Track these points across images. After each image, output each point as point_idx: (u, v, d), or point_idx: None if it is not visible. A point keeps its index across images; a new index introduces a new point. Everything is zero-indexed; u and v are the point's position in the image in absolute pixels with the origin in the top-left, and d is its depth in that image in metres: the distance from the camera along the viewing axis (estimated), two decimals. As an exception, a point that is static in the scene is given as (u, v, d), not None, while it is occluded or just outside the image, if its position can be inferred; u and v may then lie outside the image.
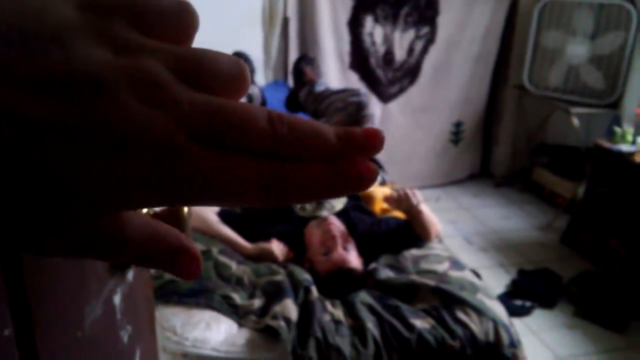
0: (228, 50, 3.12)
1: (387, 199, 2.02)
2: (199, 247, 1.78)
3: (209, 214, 1.92)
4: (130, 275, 0.83)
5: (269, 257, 1.83)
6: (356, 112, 2.42)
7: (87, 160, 0.18)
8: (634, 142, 2.83)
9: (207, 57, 0.21)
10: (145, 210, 0.82)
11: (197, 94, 0.19)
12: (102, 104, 0.18)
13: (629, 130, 2.90)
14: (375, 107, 2.49)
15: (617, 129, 2.93)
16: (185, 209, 0.85)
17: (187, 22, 0.22)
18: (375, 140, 0.21)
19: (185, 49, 0.21)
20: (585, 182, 3.12)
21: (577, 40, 3.35)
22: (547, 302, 2.61)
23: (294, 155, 0.20)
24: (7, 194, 0.17)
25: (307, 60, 3.02)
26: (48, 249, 0.19)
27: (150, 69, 0.19)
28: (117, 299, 0.77)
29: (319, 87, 2.75)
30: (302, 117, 0.21)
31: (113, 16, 0.20)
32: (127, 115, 0.18)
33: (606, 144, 2.90)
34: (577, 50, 3.35)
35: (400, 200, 1.95)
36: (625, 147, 2.82)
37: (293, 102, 2.83)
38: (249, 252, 1.86)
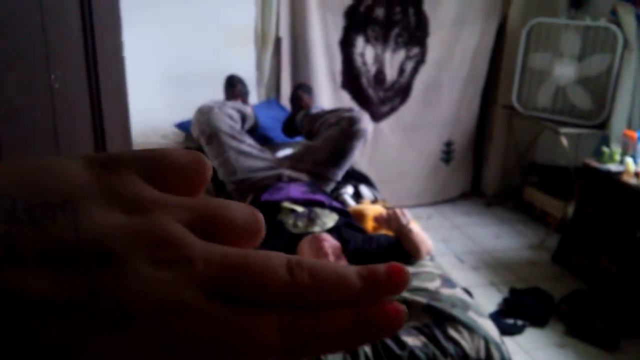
0: (221, 69, 3.15)
1: (376, 219, 2.03)
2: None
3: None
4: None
5: None
6: (349, 126, 2.45)
7: (98, 340, 0.16)
8: (621, 162, 2.86)
9: (222, 209, 0.20)
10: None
11: (211, 248, 0.19)
12: (112, 275, 0.17)
13: (617, 150, 2.94)
14: (368, 123, 2.52)
15: (605, 149, 2.97)
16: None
17: (200, 173, 0.22)
18: (400, 277, 0.20)
19: (198, 201, 0.20)
20: (574, 201, 3.15)
21: (565, 61, 3.41)
22: (538, 321, 2.61)
23: (317, 304, 0.19)
24: None
25: (304, 89, 3.11)
26: None
27: (163, 226, 0.18)
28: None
29: (315, 110, 2.81)
30: (323, 262, 0.20)
31: (124, 172, 0.20)
32: (139, 284, 0.17)
33: (594, 164, 2.94)
34: (565, 71, 3.41)
35: (390, 220, 1.96)
36: (613, 167, 2.85)
37: (290, 126, 2.88)
38: None
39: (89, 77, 0.72)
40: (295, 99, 3.05)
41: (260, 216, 0.21)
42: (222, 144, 2.45)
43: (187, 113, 3.05)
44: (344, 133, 2.45)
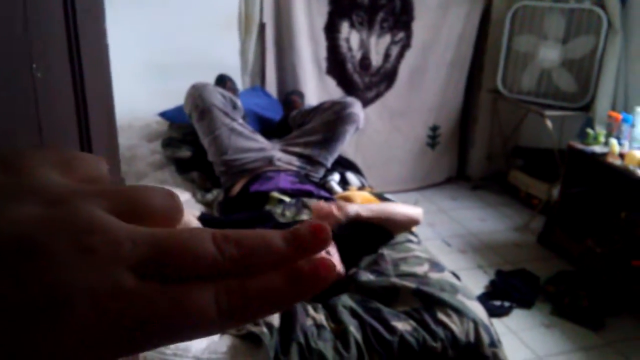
0: (204, 57, 3.12)
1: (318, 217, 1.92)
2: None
3: (191, 218, 1.91)
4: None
5: None
6: (341, 110, 2.47)
7: (37, 332, 0.16)
8: (606, 143, 2.89)
9: (141, 193, 0.20)
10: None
11: (138, 229, 0.19)
12: (38, 265, 0.17)
13: (601, 131, 2.96)
14: (360, 110, 2.53)
15: (590, 131, 2.99)
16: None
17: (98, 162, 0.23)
18: (322, 235, 0.21)
19: (117, 188, 0.20)
20: (559, 183, 3.18)
21: (549, 44, 3.42)
22: (525, 302, 2.64)
23: (247, 271, 0.20)
24: None
25: (297, 94, 3.15)
26: None
27: (85, 214, 0.18)
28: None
29: (307, 107, 2.83)
30: (245, 230, 0.21)
31: (33, 166, 0.19)
32: (67, 270, 0.17)
33: (579, 146, 2.96)
34: (549, 54, 3.42)
35: (328, 219, 1.90)
36: (597, 148, 2.88)
37: (284, 127, 2.89)
38: None
39: (72, 65, 0.70)
40: (289, 102, 3.07)
41: (177, 195, 0.22)
42: (214, 120, 2.43)
43: (170, 102, 3.01)
44: (337, 116, 2.47)
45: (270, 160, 2.42)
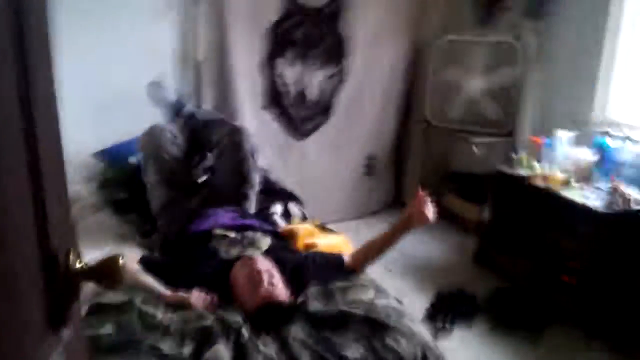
0: (139, 93, 3.08)
1: (419, 194, 2.24)
2: (120, 297, 1.72)
3: (129, 262, 1.87)
4: (66, 334, 0.81)
5: (188, 307, 1.78)
6: (232, 152, 2.60)
7: None
8: (530, 167, 3.08)
9: None
10: (77, 262, 0.80)
11: None
12: None
13: (525, 156, 3.16)
14: (242, 137, 2.61)
15: (514, 156, 3.18)
16: (120, 260, 0.85)
17: None
18: None
19: None
20: (488, 205, 3.35)
21: (474, 75, 3.63)
22: (465, 321, 2.74)
23: None
24: None
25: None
26: None
27: None
28: None
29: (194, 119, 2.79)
30: None
31: None
32: None
33: (506, 170, 3.14)
34: (474, 84, 3.63)
35: (425, 203, 2.22)
36: (522, 172, 3.06)
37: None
38: (169, 301, 1.79)
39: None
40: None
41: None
42: (161, 166, 2.45)
43: (104, 140, 2.92)
44: (233, 160, 2.55)
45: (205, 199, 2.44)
